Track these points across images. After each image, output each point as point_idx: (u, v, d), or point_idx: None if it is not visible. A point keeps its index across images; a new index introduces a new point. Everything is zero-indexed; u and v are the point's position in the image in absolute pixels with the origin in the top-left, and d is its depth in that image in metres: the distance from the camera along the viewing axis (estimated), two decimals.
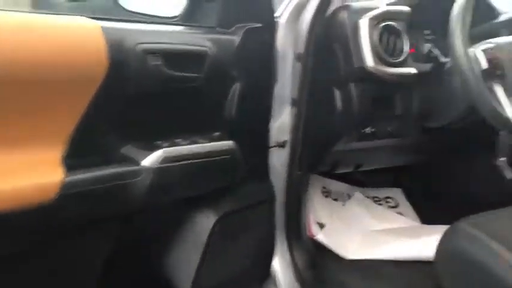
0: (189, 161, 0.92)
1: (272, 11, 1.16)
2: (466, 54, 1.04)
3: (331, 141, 1.27)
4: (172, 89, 0.92)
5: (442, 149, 1.48)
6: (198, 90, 0.96)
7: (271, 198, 1.21)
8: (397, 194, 1.77)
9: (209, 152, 0.96)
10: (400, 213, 1.69)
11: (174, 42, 0.93)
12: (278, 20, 1.17)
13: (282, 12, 1.19)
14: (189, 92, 0.96)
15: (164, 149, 0.89)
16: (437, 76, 1.22)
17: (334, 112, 1.21)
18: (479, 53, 1.07)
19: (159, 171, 0.87)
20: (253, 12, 1.10)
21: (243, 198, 1.10)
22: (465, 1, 1.08)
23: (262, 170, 1.18)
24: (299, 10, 1.18)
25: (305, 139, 1.23)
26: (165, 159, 0.88)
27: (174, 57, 0.90)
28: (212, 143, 0.97)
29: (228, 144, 1.00)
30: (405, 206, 1.73)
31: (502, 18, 1.36)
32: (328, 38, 1.18)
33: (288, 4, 1.20)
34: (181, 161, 0.91)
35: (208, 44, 0.98)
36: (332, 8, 1.18)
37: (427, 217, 1.65)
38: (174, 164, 0.89)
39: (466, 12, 1.08)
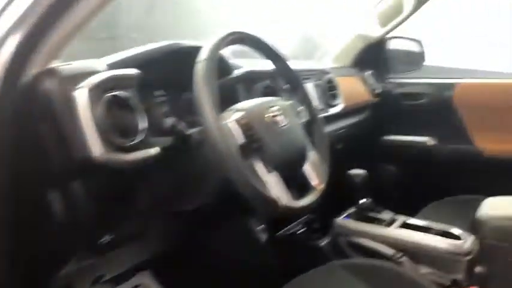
0: None
1: None
2: (219, 128, 0.84)
3: (54, 263, 0.87)
4: None
5: (197, 226, 1.25)
6: None
7: None
8: (145, 278, 1.47)
9: None
10: None
11: None
12: None
13: None
14: None
15: None
16: (183, 151, 0.98)
17: (51, 222, 0.82)
18: (233, 125, 0.89)
19: None
20: None
21: None
22: (209, 61, 0.89)
23: None
24: None
25: (13, 263, 0.81)
26: None
27: None
28: None
29: None
30: None
31: (236, 73, 1.23)
32: (29, 117, 0.79)
33: None
34: None
35: None
36: (31, 71, 0.79)
37: None
38: None
39: (212, 74, 0.88)
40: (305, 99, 1.15)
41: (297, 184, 1.04)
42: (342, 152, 1.68)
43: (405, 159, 2.07)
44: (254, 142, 0.90)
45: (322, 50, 2.24)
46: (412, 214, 1.65)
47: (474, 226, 1.17)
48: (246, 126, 0.90)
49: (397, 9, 1.79)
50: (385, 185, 1.98)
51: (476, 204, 1.66)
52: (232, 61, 1.26)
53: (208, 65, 0.88)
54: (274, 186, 0.90)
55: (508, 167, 1.85)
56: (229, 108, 0.95)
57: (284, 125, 0.98)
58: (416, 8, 1.75)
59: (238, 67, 1.26)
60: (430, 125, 2.02)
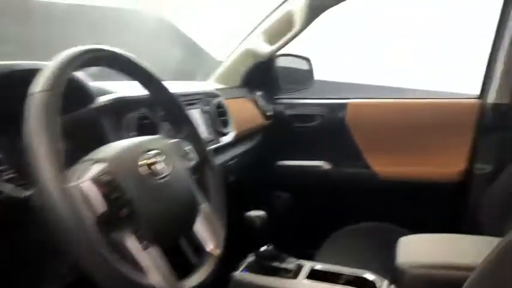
0: None
1: None
2: (63, 194, 0.56)
3: None
4: None
5: None
6: None
7: None
8: None
9: None
10: None
11: None
12: None
13: None
14: None
15: None
16: (16, 221, 0.67)
17: None
18: (88, 187, 0.61)
19: None
20: None
21: None
22: (48, 93, 0.60)
23: None
24: None
25: None
26: None
27: None
28: None
29: None
30: None
31: (100, 101, 0.94)
32: None
33: None
34: None
35: None
36: None
37: None
38: None
39: (52, 111, 0.60)
40: (193, 135, 0.91)
41: (187, 251, 0.79)
42: (235, 186, 1.45)
43: (302, 186, 1.92)
44: (122, 208, 0.63)
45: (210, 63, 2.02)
46: (316, 247, 1.49)
47: (393, 274, 1.03)
48: (109, 186, 0.62)
49: (288, 25, 1.63)
50: (283, 219, 1.79)
51: (380, 233, 1.56)
52: (94, 85, 0.97)
53: (47, 99, 0.59)
54: (153, 268, 0.64)
55: (402, 190, 1.79)
56: (85, 159, 0.66)
57: (165, 176, 0.72)
58: (307, 22, 1.61)
59: (103, 93, 0.97)
60: (324, 147, 1.90)
